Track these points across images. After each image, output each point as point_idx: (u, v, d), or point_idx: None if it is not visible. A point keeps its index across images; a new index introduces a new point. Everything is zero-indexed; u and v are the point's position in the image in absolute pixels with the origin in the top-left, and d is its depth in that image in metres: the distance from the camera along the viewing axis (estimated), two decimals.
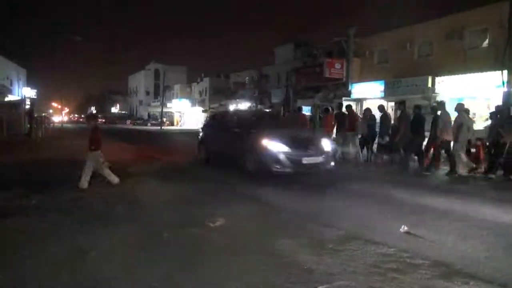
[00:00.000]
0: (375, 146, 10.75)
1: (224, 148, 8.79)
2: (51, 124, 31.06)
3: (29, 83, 41.66)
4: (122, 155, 11.39)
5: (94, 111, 72.53)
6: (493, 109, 9.46)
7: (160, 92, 52.47)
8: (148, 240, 3.88)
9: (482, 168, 8.75)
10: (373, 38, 21.16)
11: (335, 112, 12.30)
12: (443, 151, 9.07)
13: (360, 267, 3.20)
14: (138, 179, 7.52)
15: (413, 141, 9.15)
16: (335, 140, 10.79)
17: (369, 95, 19.65)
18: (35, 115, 20.76)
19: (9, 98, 27.95)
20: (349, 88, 20.95)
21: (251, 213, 5.06)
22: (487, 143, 8.96)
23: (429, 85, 16.20)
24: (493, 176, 8.17)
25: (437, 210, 5.37)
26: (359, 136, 10.92)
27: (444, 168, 8.96)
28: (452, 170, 8.46)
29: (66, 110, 60.09)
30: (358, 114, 13.81)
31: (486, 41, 15.39)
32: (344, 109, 11.83)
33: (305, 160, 7.23)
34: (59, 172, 8.01)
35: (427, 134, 9.28)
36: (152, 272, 3.09)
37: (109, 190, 6.31)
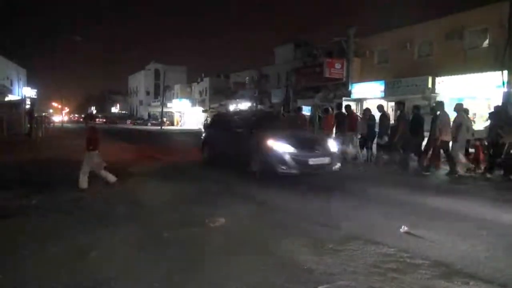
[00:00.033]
0: (374, 146, 10.76)
1: (229, 149, 8.67)
2: (51, 124, 31.06)
3: (29, 83, 41.71)
4: (123, 155, 11.39)
5: (94, 111, 72.68)
6: (493, 110, 9.46)
7: (160, 92, 52.48)
8: (149, 240, 3.89)
9: (481, 168, 8.75)
10: (373, 38, 21.16)
11: (335, 112, 12.29)
12: (442, 151, 9.07)
13: (360, 267, 3.20)
14: (139, 179, 7.53)
15: (412, 141, 9.17)
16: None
17: (369, 95, 19.66)
18: (35, 115, 20.74)
19: (9, 98, 27.96)
20: (349, 88, 20.96)
21: (251, 213, 5.06)
22: (486, 143, 8.96)
23: (429, 85, 16.20)
24: (490, 176, 8.17)
25: (437, 210, 5.37)
26: (359, 136, 10.92)
27: (444, 168, 8.96)
28: (452, 170, 8.46)
29: (66, 110, 60.04)
30: (358, 114, 13.81)
31: (486, 41, 15.39)
32: (343, 109, 11.82)
33: (312, 161, 7.11)
34: (59, 172, 8.02)
35: (426, 134, 9.28)
36: (153, 272, 3.09)
37: (109, 190, 6.31)
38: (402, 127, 9.30)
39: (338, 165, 7.69)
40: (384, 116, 10.37)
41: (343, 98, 19.57)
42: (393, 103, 17.25)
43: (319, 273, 3.08)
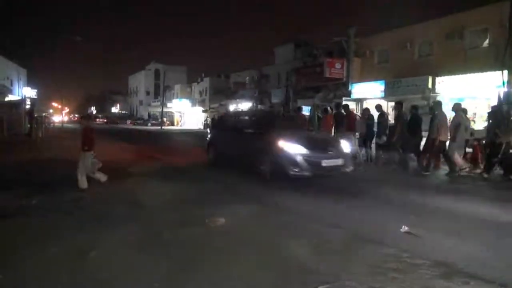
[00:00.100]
0: (373, 145, 10.76)
1: (236, 150, 8.33)
2: (52, 124, 31.06)
3: (29, 83, 41.71)
4: (123, 155, 11.40)
5: (94, 111, 72.71)
6: (490, 109, 9.48)
7: (160, 92, 52.49)
8: (149, 240, 3.89)
9: (480, 168, 8.75)
10: (373, 38, 21.16)
11: (334, 112, 12.29)
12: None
13: (360, 267, 3.20)
14: (138, 179, 7.52)
15: (410, 141, 9.18)
16: None
17: (369, 95, 19.65)
18: (36, 115, 20.74)
19: (10, 98, 27.96)
20: (349, 88, 20.96)
21: (251, 213, 5.06)
22: (484, 143, 8.97)
23: (429, 85, 16.19)
24: (487, 176, 8.16)
25: (437, 210, 5.37)
26: (358, 136, 10.93)
27: (444, 168, 8.96)
28: (452, 170, 8.46)
29: (66, 110, 60.02)
30: (358, 114, 13.81)
31: (487, 41, 15.38)
32: (341, 109, 11.82)
33: (325, 163, 6.83)
34: (59, 172, 8.00)
35: (425, 134, 9.29)
36: (153, 272, 3.09)
37: (110, 190, 6.31)
38: (399, 127, 9.33)
39: (351, 167, 7.43)
40: (382, 115, 10.38)
41: (343, 98, 19.59)
42: (393, 103, 17.26)
43: (319, 273, 3.08)
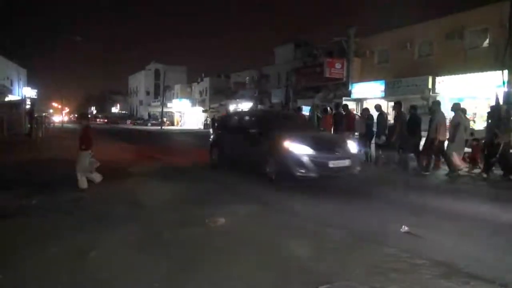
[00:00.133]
0: (372, 145, 10.76)
1: (241, 151, 8.22)
2: (52, 124, 31.07)
3: (30, 83, 41.71)
4: (123, 155, 11.41)
5: (94, 111, 72.71)
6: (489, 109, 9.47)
7: (161, 92, 52.48)
8: (149, 240, 3.89)
9: (480, 168, 8.75)
10: (373, 38, 21.16)
11: (333, 112, 12.30)
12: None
13: (361, 267, 3.20)
14: (138, 179, 7.53)
15: (409, 141, 9.18)
16: None
17: (369, 95, 19.66)
18: (36, 115, 20.75)
19: (10, 98, 27.98)
20: (350, 88, 20.96)
21: (251, 213, 5.06)
22: (483, 143, 8.96)
23: (429, 85, 16.21)
24: (485, 176, 8.16)
25: (437, 210, 5.37)
26: (357, 135, 10.93)
27: (444, 168, 8.96)
28: (451, 170, 8.46)
29: (67, 110, 60.05)
30: (357, 113, 13.81)
31: (487, 41, 15.38)
32: (341, 109, 11.83)
33: (332, 164, 6.71)
34: (59, 172, 7.99)
35: (424, 134, 9.29)
36: (153, 272, 3.09)
37: (110, 190, 6.31)
38: (399, 127, 9.34)
39: (358, 168, 7.30)
40: (382, 115, 10.38)
41: (343, 98, 19.61)
42: (393, 103, 17.27)
43: (319, 273, 3.08)
